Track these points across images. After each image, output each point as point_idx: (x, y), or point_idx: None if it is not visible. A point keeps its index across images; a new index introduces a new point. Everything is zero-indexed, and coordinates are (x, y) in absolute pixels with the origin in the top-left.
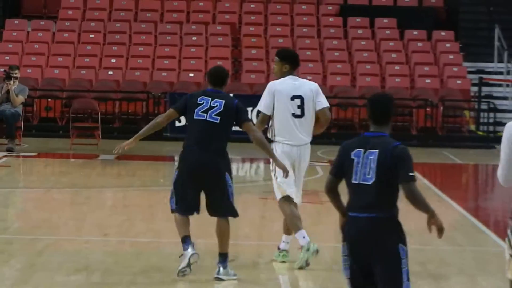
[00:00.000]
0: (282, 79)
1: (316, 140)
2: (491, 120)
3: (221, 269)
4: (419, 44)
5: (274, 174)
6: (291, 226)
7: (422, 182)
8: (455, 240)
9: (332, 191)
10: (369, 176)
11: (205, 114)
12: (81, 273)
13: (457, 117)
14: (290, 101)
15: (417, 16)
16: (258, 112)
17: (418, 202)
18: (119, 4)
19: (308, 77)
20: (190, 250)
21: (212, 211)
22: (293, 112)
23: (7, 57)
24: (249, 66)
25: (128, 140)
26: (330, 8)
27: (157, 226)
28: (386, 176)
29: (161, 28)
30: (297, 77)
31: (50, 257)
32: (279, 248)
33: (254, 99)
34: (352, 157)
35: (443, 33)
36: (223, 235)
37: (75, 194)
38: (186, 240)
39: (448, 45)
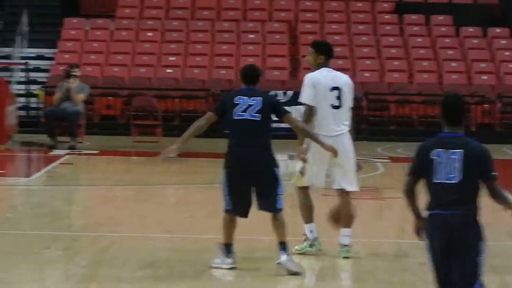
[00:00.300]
0: (318, 70)
1: (376, 137)
2: None
3: (284, 257)
4: (475, 41)
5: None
6: (303, 216)
7: None
8: None
9: (411, 192)
10: (453, 175)
11: (245, 113)
12: (146, 269)
13: None
14: (329, 92)
15: (472, 13)
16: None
17: (500, 199)
18: (176, 3)
19: (366, 74)
20: (230, 261)
21: (261, 206)
22: (331, 103)
23: (66, 56)
24: (306, 63)
25: (172, 146)
26: (385, 5)
27: (219, 223)
28: (470, 174)
29: (218, 26)
30: (331, 69)
31: (114, 253)
32: (340, 244)
33: None
34: (433, 157)
35: (498, 30)
36: (279, 225)
37: (137, 192)
38: (228, 247)
39: (503, 41)
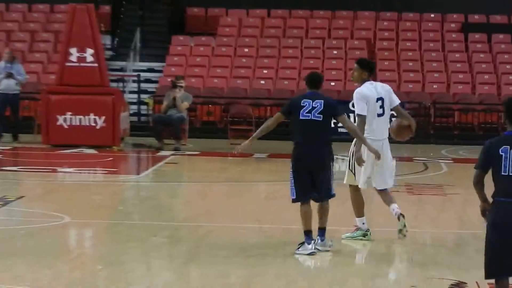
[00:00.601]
0: (364, 84)
1: (442, 140)
2: None
3: (319, 240)
4: None
5: (352, 162)
6: (355, 210)
7: None
8: None
9: (480, 183)
10: None
11: (310, 114)
12: (239, 254)
13: None
14: (375, 103)
15: None
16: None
17: None
18: (270, 22)
19: (434, 86)
20: (310, 247)
21: (318, 194)
22: (377, 112)
23: (173, 69)
24: (382, 76)
25: (245, 141)
26: (453, 25)
27: None
28: None
29: (306, 43)
30: (372, 81)
31: (211, 240)
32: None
33: None
34: (501, 153)
35: None
36: (323, 213)
37: (232, 187)
38: (308, 234)
39: None
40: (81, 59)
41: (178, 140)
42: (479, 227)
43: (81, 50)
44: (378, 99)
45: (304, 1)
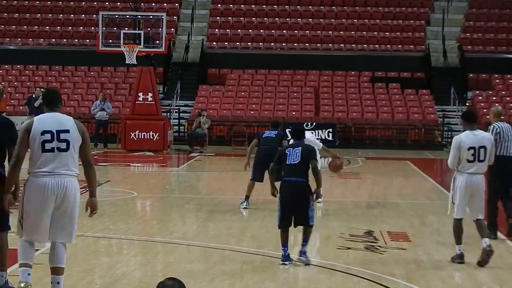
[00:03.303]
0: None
1: (358, 146)
2: None
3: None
4: None
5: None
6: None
7: None
8: None
9: None
10: None
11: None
12: (238, 215)
13: None
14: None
15: None
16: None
17: None
18: (257, 77)
19: (354, 114)
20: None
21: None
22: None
23: (199, 105)
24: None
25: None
26: (365, 78)
27: None
28: None
29: (278, 89)
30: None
31: (222, 207)
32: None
33: None
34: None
35: None
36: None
37: (235, 175)
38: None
39: None
40: (145, 99)
41: (202, 147)
42: (380, 198)
43: (145, 94)
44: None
45: (277, 65)
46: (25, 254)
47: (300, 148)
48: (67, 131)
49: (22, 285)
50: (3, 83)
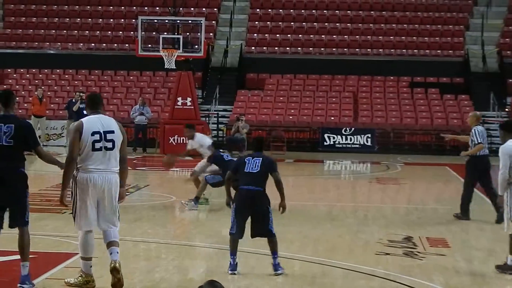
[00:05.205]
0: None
1: (397, 151)
2: None
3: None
4: None
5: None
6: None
7: None
8: None
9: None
10: None
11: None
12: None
13: None
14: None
15: None
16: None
17: None
18: (295, 82)
19: (393, 119)
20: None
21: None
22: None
23: (238, 110)
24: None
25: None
26: (404, 83)
27: None
28: None
29: (316, 94)
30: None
31: None
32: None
33: None
34: None
35: None
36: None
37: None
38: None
39: None
40: (184, 104)
41: (241, 152)
42: (419, 203)
43: (184, 98)
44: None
45: (315, 70)
46: (85, 248)
47: (261, 158)
48: (113, 132)
49: (84, 275)
50: (43, 87)
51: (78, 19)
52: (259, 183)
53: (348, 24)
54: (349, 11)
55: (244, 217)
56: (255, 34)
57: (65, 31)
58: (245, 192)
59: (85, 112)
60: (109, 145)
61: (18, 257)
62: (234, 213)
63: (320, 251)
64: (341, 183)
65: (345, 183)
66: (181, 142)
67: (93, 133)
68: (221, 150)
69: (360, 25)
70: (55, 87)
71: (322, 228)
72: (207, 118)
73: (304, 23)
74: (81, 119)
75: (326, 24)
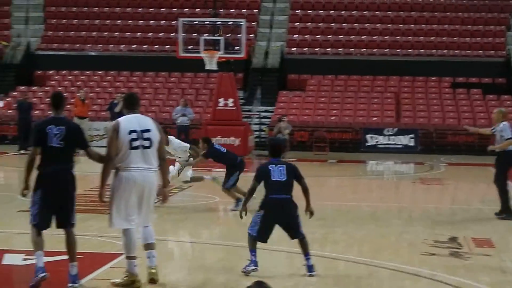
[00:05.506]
0: None
1: (440, 151)
2: None
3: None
4: None
5: None
6: None
7: None
8: None
9: None
10: None
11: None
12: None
13: None
14: None
15: None
16: None
17: None
18: (336, 83)
19: (436, 120)
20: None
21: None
22: None
23: (279, 110)
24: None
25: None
26: (446, 84)
27: None
28: None
29: (359, 95)
30: None
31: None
32: None
33: None
34: None
35: None
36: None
37: (312, 180)
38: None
39: None
40: (225, 105)
41: (283, 152)
42: (463, 203)
43: (226, 99)
44: None
45: (356, 70)
46: (129, 247)
47: (285, 166)
48: (149, 130)
49: (129, 275)
50: (85, 89)
51: (119, 21)
52: (288, 190)
53: (389, 25)
54: (389, 12)
55: (272, 225)
56: (296, 35)
57: (106, 33)
58: (274, 201)
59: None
60: (147, 143)
61: (65, 257)
62: (262, 219)
63: (365, 252)
64: (385, 184)
65: (388, 184)
66: (224, 142)
67: (130, 132)
68: (215, 144)
69: (401, 26)
70: (97, 89)
71: (367, 228)
72: (249, 119)
73: (344, 24)
74: (118, 119)
75: (367, 25)
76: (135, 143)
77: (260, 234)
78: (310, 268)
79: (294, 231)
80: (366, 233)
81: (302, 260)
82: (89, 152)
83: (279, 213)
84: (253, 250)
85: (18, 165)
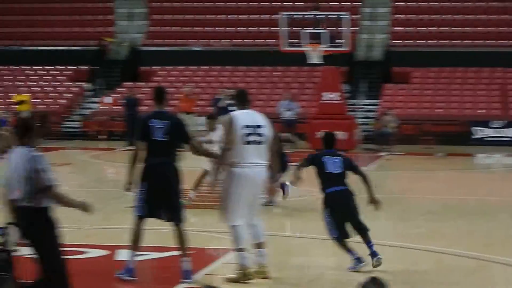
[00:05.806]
0: None
1: None
2: None
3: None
4: None
5: None
6: None
7: None
8: None
9: None
10: None
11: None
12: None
13: None
14: None
15: None
16: None
17: None
18: (440, 75)
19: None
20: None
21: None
22: None
23: (385, 103)
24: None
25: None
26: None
27: None
28: None
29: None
30: None
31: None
32: None
33: None
34: None
35: None
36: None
37: (419, 174)
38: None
39: None
40: (331, 99)
41: (390, 146)
42: None
43: (330, 93)
44: None
45: (461, 62)
46: (238, 240)
47: (340, 158)
48: (261, 126)
49: (241, 269)
50: (190, 84)
51: (223, 16)
52: (344, 182)
53: (493, 16)
54: (494, 2)
55: (342, 218)
56: (399, 28)
57: (209, 28)
58: (334, 194)
59: (230, 108)
60: (259, 139)
61: (175, 253)
62: (330, 217)
63: (475, 245)
64: (493, 177)
65: (497, 177)
66: None
67: (244, 127)
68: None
69: (505, 16)
70: (202, 84)
71: (475, 222)
72: (354, 113)
73: (447, 16)
74: (232, 113)
75: (471, 16)
76: (249, 138)
77: (339, 232)
78: (375, 253)
79: (358, 220)
80: (475, 227)
81: (412, 255)
82: (193, 146)
83: (343, 204)
84: (348, 251)
85: (127, 161)
